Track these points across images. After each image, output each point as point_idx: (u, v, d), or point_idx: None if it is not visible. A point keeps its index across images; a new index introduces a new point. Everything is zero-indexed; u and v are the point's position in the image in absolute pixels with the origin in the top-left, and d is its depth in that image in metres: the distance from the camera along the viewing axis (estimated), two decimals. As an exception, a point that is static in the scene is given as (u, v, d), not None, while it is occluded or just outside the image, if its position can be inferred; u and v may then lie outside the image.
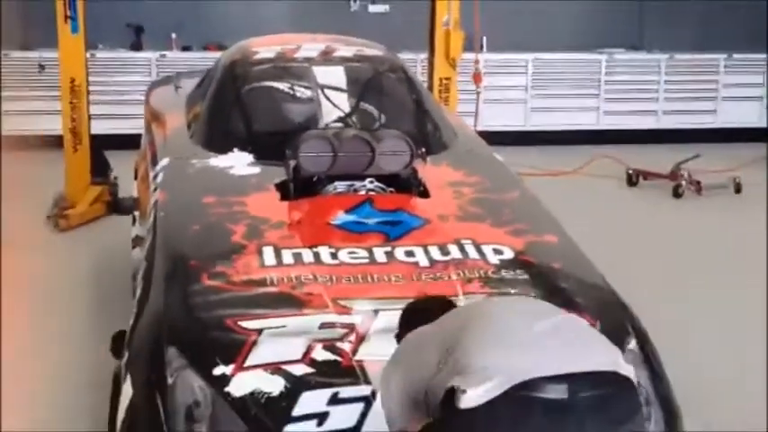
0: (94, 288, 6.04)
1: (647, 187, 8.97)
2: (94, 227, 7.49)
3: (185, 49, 11.08)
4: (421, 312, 2.86)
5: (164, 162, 4.62)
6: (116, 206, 7.86)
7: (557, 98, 11.19)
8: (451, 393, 2.41)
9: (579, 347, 2.51)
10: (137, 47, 11.05)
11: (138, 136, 9.74)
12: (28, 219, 7.23)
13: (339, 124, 4.69)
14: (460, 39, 8.03)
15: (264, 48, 5.29)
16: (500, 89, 10.78)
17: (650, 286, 5.82)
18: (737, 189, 8.76)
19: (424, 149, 4.42)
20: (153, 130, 5.40)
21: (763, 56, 11.36)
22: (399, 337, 2.88)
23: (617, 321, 3.51)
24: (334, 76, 4.99)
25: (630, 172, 9.11)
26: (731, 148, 10.50)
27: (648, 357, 3.45)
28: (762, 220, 7.79)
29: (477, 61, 8.29)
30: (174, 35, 11.02)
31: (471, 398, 2.37)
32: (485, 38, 10.15)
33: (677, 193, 8.65)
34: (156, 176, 4.55)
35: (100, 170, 8.00)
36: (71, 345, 5.22)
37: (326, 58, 5.17)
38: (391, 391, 2.64)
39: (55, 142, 8.45)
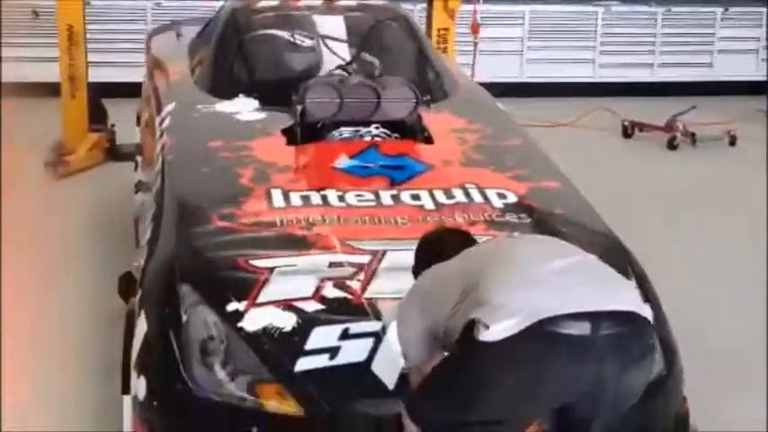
0: (96, 232, 6.11)
1: (642, 139, 9.04)
2: (93, 173, 7.53)
3: (181, -4, 11.05)
4: (436, 244, 2.94)
5: (169, 107, 4.67)
6: (114, 153, 7.91)
7: (553, 50, 11.20)
8: (471, 327, 2.49)
9: (601, 287, 2.60)
10: (131, -6, 11.02)
11: (136, 84, 9.73)
12: (26, 165, 7.26)
13: (342, 72, 4.73)
14: (459, -12, 8.04)
15: (268, -5, 5.34)
16: (496, 40, 10.79)
17: (646, 232, 5.91)
18: (732, 142, 8.83)
19: (428, 97, 4.47)
20: (155, 76, 5.44)
21: (760, 9, 11.39)
22: (416, 272, 2.96)
23: (619, 264, 3.59)
24: (337, 24, 5.04)
25: (626, 124, 9.17)
26: (727, 100, 10.55)
27: (648, 298, 3.54)
28: (756, 173, 7.89)
29: (475, 12, 8.32)
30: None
31: (494, 332, 2.45)
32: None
33: (672, 145, 8.72)
34: (161, 122, 4.60)
35: (98, 118, 8.04)
36: (76, 285, 5.29)
37: (330, 6, 5.22)
38: (409, 325, 2.72)
39: (50, 90, 8.45)
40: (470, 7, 8.36)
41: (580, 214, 3.93)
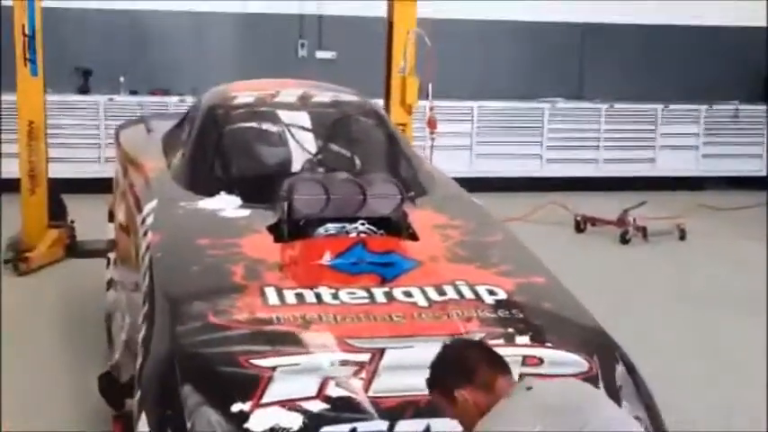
0: (64, 329, 6.03)
1: (595, 233, 9.22)
2: (54, 270, 7.46)
3: (132, 93, 11.13)
4: (459, 360, 2.96)
5: (151, 204, 4.67)
6: (75, 250, 7.87)
7: (501, 145, 11.46)
8: None
9: None
10: (84, 90, 11.07)
11: (92, 180, 9.80)
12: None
13: (321, 169, 4.79)
14: (416, 85, 8.22)
15: (243, 93, 5.39)
16: (446, 135, 10.98)
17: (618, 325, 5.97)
18: (682, 236, 9.05)
19: (412, 193, 4.54)
20: (130, 172, 5.44)
21: (699, 106, 11.78)
22: (432, 385, 2.99)
23: (610, 357, 3.66)
24: (315, 121, 5.10)
25: (578, 218, 9.35)
26: (670, 196, 10.84)
27: (640, 389, 3.60)
28: (708, 266, 8.10)
29: (431, 108, 8.48)
30: (122, 79, 11.06)
31: None
32: (429, 85, 10.37)
33: (625, 240, 8.90)
34: (144, 220, 4.59)
35: (57, 214, 8.00)
36: (50, 384, 5.21)
37: (305, 103, 5.29)
38: None
39: (7, 186, 8.39)
40: (425, 103, 8.53)
41: (568, 309, 3.99)
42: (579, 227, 9.31)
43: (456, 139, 11.16)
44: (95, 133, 10.91)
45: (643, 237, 8.92)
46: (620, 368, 3.65)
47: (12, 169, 8.22)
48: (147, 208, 4.69)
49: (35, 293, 6.77)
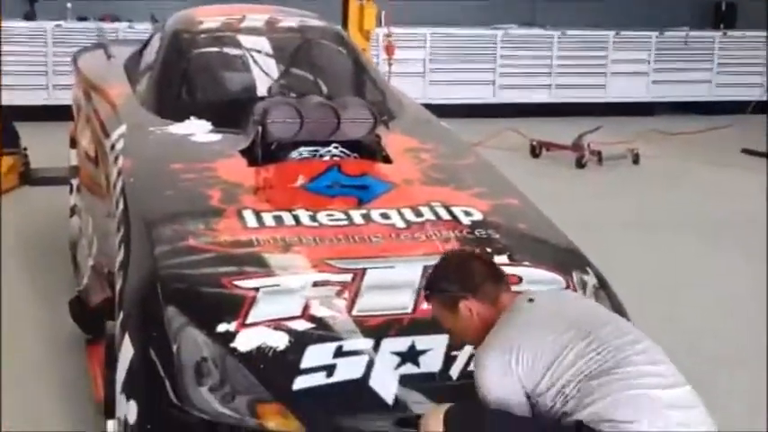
0: (29, 257, 5.98)
1: (550, 158, 9.30)
2: (10, 198, 7.38)
3: (81, 19, 10.94)
4: (462, 269, 2.99)
5: (120, 129, 4.63)
6: (29, 177, 7.79)
7: (454, 72, 11.46)
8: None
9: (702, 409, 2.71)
10: (30, 17, 10.86)
11: (40, 107, 9.66)
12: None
13: (292, 94, 4.76)
14: (374, 12, 8.19)
15: (209, 18, 5.34)
16: (399, 63, 10.96)
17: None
18: (636, 160, 9.17)
19: (385, 117, 4.55)
20: (94, 99, 5.37)
21: (650, 33, 11.86)
22: (429, 289, 3.02)
23: (585, 274, 3.74)
24: (282, 46, 5.08)
25: (534, 144, 9.42)
26: (621, 121, 10.95)
27: (614, 303, 3.69)
28: (661, 188, 8.24)
29: (389, 34, 8.46)
30: (69, 4, 10.86)
31: None
32: (383, 12, 10.32)
33: (581, 164, 9.00)
34: (113, 145, 4.55)
35: (10, 141, 7.88)
36: (17, 310, 5.18)
37: (272, 28, 5.25)
38: (500, 381, 2.76)
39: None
40: (380, 30, 8.51)
41: (542, 229, 4.05)
42: (535, 152, 9.39)
43: (410, 65, 11.14)
44: (43, 60, 10.72)
45: (598, 161, 9.02)
46: (594, 283, 3.73)
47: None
48: (116, 133, 4.64)
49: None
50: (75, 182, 5.76)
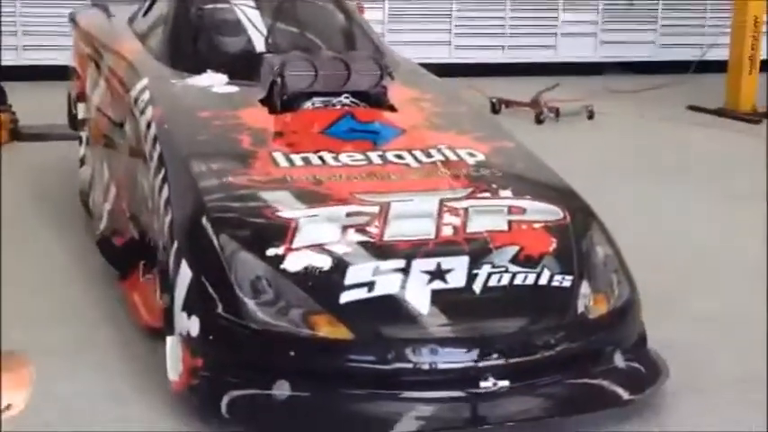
0: (39, 208, 6.31)
1: (510, 115, 9.76)
2: (2, 153, 7.66)
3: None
4: None
5: (142, 83, 5.00)
6: (18, 134, 8.08)
7: (411, 33, 11.89)
8: None
9: None
10: (-1, -22, 11.02)
11: (11, 68, 9.81)
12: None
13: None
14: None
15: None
16: (361, 24, 11.38)
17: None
18: (590, 116, 9.69)
19: (390, 69, 4.99)
20: (105, 56, 5.72)
21: (598, -5, 12.39)
22: None
23: (581, 209, 4.25)
24: (285, 3, 5.49)
25: (494, 101, 9.89)
26: (572, 80, 11.46)
27: (606, 233, 4.21)
28: (614, 141, 8.82)
29: (359, -6, 8.84)
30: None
31: None
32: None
33: (539, 120, 9.50)
34: (137, 98, 4.92)
35: None
36: (43, 255, 5.52)
37: None
38: None
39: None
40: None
41: (536, 168, 4.56)
42: (494, 108, 9.85)
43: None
44: (11, 21, 10.93)
45: (556, 117, 9.54)
46: (587, 216, 4.24)
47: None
48: (138, 86, 5.01)
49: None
50: (84, 134, 6.12)
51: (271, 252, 3.72)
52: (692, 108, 10.30)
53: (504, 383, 3.49)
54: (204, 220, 3.89)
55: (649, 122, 9.65)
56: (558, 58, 12.37)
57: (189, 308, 3.71)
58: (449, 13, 12.04)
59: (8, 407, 1.68)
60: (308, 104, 4.80)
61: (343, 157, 4.31)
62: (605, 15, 12.48)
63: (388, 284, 3.65)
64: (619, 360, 3.80)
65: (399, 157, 4.37)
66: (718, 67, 10.79)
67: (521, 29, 12.22)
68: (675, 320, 4.66)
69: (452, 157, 4.41)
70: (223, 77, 5.02)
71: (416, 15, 11.96)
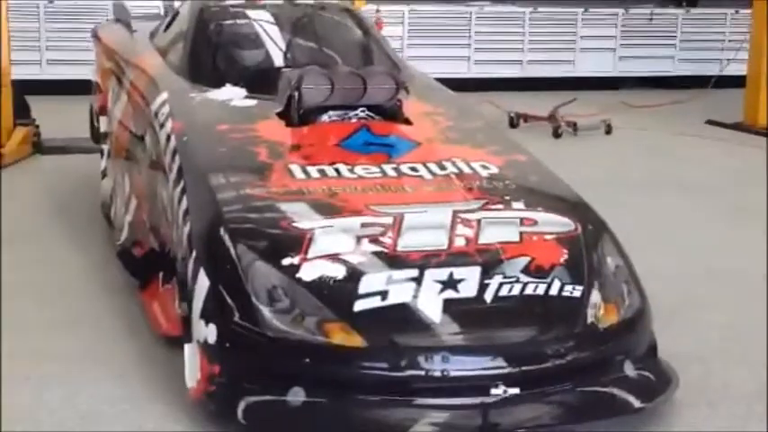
0: (61, 220, 6.42)
1: (528, 129, 9.85)
2: (26, 166, 7.82)
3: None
4: None
5: (162, 97, 5.11)
6: (41, 147, 8.22)
7: (431, 47, 11.99)
8: None
9: None
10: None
11: (35, 82, 9.92)
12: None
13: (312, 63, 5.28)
14: (364, -11, 8.68)
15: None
16: (381, 38, 11.47)
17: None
18: (608, 130, 9.75)
19: (406, 84, 5.07)
20: (128, 71, 5.83)
21: (616, 9, 12.46)
22: None
23: (592, 220, 4.31)
24: (303, 18, 5.60)
25: (512, 115, 9.97)
26: (589, 94, 11.52)
27: (616, 244, 4.27)
28: (632, 156, 8.87)
29: (378, 9, 8.96)
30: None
31: None
32: (366, -12, 10.82)
33: (557, 134, 9.57)
34: (157, 111, 5.02)
35: (22, 113, 8.31)
36: (61, 267, 5.63)
37: (292, 3, 5.80)
38: None
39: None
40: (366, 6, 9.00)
41: (549, 181, 4.64)
42: (513, 123, 9.93)
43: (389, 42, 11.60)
44: (35, 36, 11.10)
45: (573, 131, 9.60)
46: (598, 227, 4.31)
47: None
48: (159, 100, 5.12)
49: (16, 187, 7.10)
50: (105, 147, 6.23)
51: (286, 262, 3.80)
52: (711, 123, 10.35)
53: (515, 391, 3.55)
54: (222, 231, 3.98)
55: (667, 137, 9.70)
56: (577, 72, 12.45)
57: (206, 316, 3.79)
58: (468, 28, 12.14)
59: None
60: (324, 118, 4.88)
61: (359, 170, 4.39)
62: (624, 30, 12.54)
63: (401, 293, 3.72)
64: (629, 369, 3.86)
65: (414, 169, 4.45)
66: (738, 82, 10.83)
67: (539, 44, 12.30)
68: (687, 332, 4.71)
69: (466, 169, 4.48)
70: (241, 91, 5.12)
71: (436, 31, 12.07)
